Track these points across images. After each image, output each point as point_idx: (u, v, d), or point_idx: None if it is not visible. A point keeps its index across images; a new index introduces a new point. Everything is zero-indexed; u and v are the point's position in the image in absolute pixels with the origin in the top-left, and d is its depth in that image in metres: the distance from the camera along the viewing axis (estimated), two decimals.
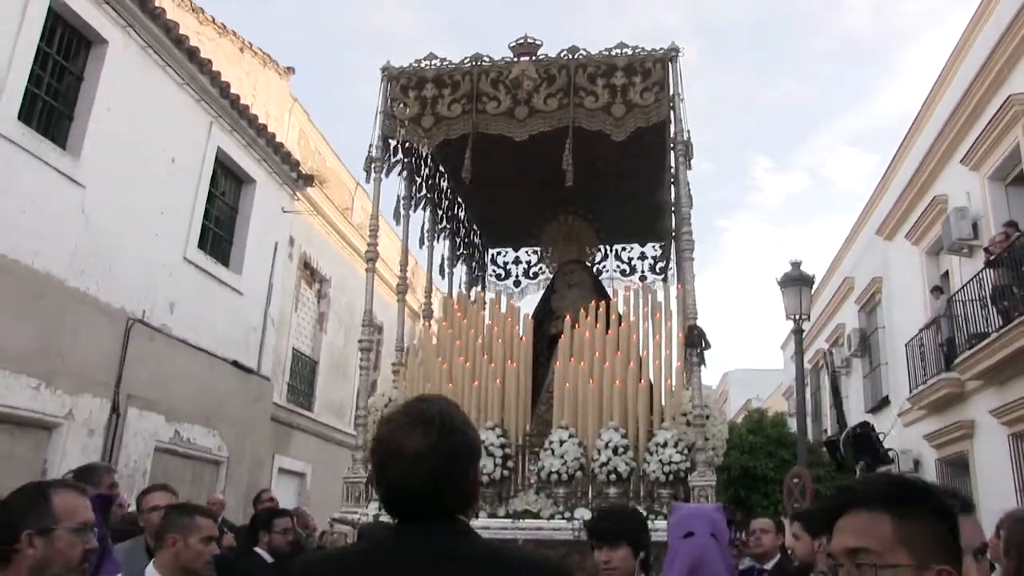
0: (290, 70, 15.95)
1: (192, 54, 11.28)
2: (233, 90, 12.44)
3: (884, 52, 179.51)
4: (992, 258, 12.16)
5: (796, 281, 13.23)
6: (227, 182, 13.15)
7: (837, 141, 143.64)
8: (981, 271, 12.69)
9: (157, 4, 10.49)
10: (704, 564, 3.13)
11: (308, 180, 15.10)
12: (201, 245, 12.10)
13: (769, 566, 6.23)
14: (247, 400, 13.14)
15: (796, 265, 13.31)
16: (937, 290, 15.29)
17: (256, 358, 13.57)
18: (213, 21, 13.09)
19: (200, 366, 11.80)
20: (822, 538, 4.04)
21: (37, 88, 9.06)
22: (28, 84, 8.81)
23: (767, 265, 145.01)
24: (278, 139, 13.96)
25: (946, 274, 15.80)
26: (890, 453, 4.11)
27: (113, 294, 10.04)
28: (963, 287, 13.57)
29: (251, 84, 14.09)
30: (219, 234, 12.85)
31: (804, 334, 23.14)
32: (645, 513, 4.96)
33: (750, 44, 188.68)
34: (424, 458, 1.84)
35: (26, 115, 8.81)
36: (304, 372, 16.55)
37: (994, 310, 12.18)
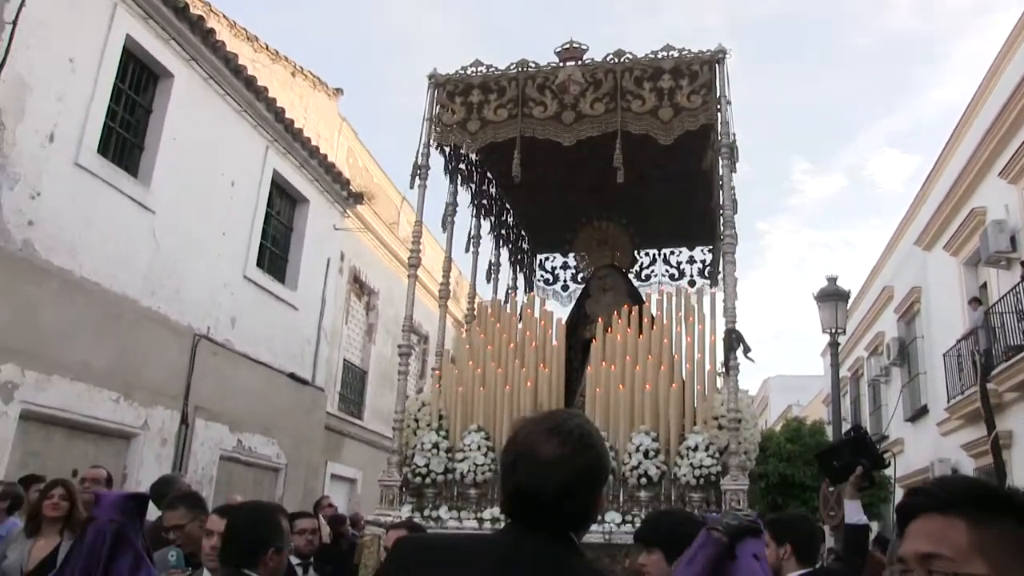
0: (339, 91, 16.57)
1: (250, 83, 11.90)
2: (287, 115, 13.04)
3: (927, 50, 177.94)
4: None
5: (832, 296, 13.56)
6: (282, 202, 13.78)
7: (878, 142, 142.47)
8: (1018, 284, 12.94)
9: (217, 37, 11.12)
10: None
11: (358, 198, 15.70)
12: (259, 263, 12.73)
13: None
14: (302, 410, 13.75)
15: (832, 280, 13.65)
16: (975, 301, 15.50)
17: (311, 370, 14.17)
18: (267, 48, 13.71)
19: (259, 378, 12.42)
20: (786, 545, 4.27)
21: (112, 121, 9.71)
22: (105, 119, 9.46)
23: (808, 269, 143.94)
24: (329, 159, 14.55)
25: (984, 285, 16.00)
26: (886, 456, 4.25)
27: (181, 312, 10.69)
28: (1000, 299, 13.83)
29: (303, 107, 14.70)
30: (275, 252, 13.48)
31: (843, 343, 23.43)
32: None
33: (789, 43, 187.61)
34: (557, 466, 1.83)
35: (103, 147, 9.47)
36: (354, 382, 17.16)
37: None
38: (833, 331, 13.50)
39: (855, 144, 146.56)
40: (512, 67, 7.30)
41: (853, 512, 4.68)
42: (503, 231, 9.57)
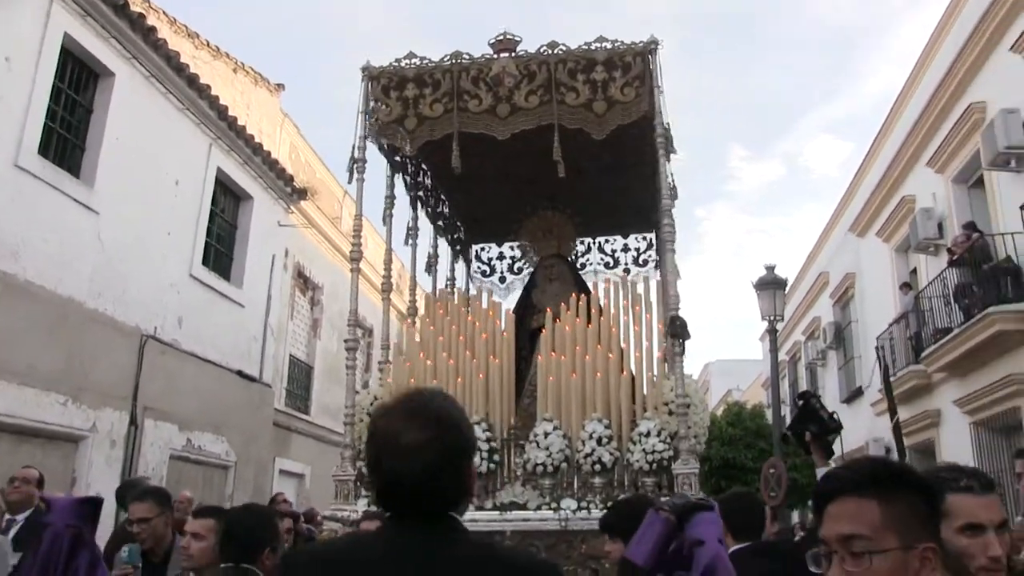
0: (280, 87, 16.50)
1: (192, 80, 11.84)
2: (230, 112, 12.99)
3: (863, 39, 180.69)
4: (954, 258, 12.85)
5: (770, 284, 13.88)
6: (226, 200, 13.74)
7: (813, 129, 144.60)
8: (944, 270, 13.38)
9: (158, 35, 11.04)
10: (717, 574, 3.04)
11: (301, 194, 15.68)
12: (205, 262, 12.69)
13: None
14: (251, 407, 13.75)
15: (771, 269, 13.98)
16: (906, 286, 15.97)
17: (258, 366, 14.17)
18: (207, 44, 13.63)
19: (208, 377, 12.39)
20: (724, 522, 4.50)
21: (52, 122, 9.62)
22: (45, 119, 9.38)
23: (745, 255, 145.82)
24: (272, 155, 14.52)
25: (914, 271, 16.50)
26: (835, 416, 4.37)
27: (127, 313, 10.63)
28: (928, 284, 14.28)
29: (244, 103, 14.64)
30: (220, 250, 13.44)
31: (781, 328, 23.89)
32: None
33: (730, 31, 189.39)
34: (422, 451, 1.81)
35: (43, 148, 9.37)
36: (300, 377, 17.15)
37: (956, 307, 12.88)
38: (771, 318, 13.83)
39: (791, 131, 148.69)
40: (446, 59, 7.26)
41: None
42: (440, 222, 9.57)
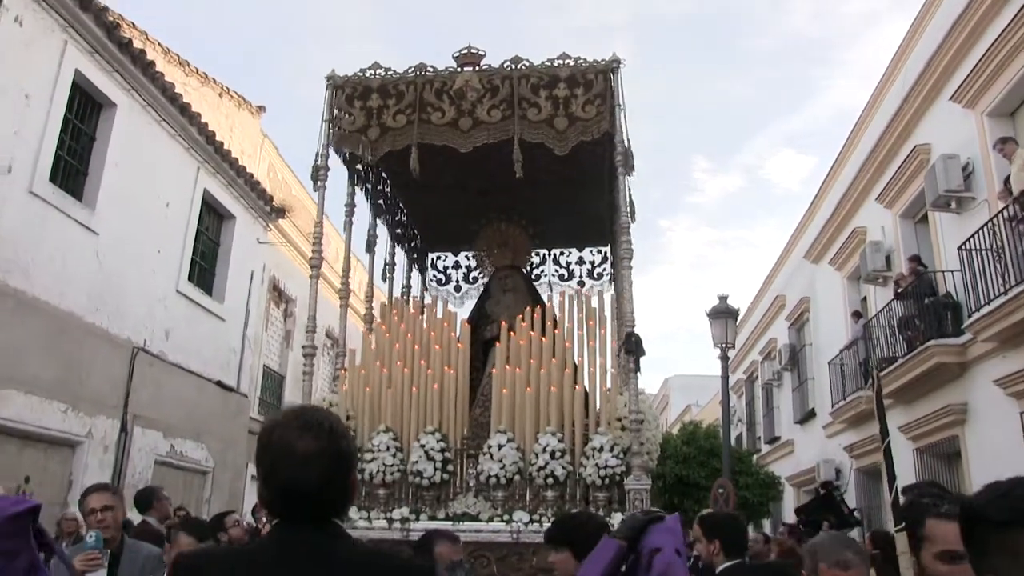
0: (261, 109, 17.27)
1: (184, 109, 12.61)
2: (217, 137, 13.76)
3: (823, 54, 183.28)
4: (900, 291, 13.71)
5: (723, 313, 14.69)
6: (211, 219, 14.50)
7: (775, 142, 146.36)
8: (891, 301, 14.23)
9: (156, 68, 11.82)
10: None
11: (280, 213, 16.49)
12: (190, 278, 13.46)
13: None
14: (229, 415, 14.50)
15: (723, 299, 14.79)
16: (856, 314, 16.78)
17: (235, 377, 14.91)
18: (197, 72, 14.39)
19: (190, 387, 13.13)
20: (715, 541, 4.73)
21: (60, 150, 10.36)
22: (55, 148, 10.15)
23: (707, 267, 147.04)
24: (253, 176, 15.29)
25: (865, 299, 17.31)
26: (855, 512, 4.70)
27: (120, 327, 11.38)
28: (876, 315, 15.13)
29: (228, 126, 15.38)
30: (204, 267, 14.21)
31: (740, 346, 24.70)
32: (607, 520, 5.01)
33: (691, 42, 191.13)
34: (316, 459, 1.92)
35: (53, 175, 10.13)
36: (273, 387, 17.86)
37: (901, 337, 13.74)
38: (723, 346, 14.68)
39: (753, 144, 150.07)
40: (410, 71, 7.26)
41: None
42: (399, 230, 9.57)
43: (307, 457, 1.91)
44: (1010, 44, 10.77)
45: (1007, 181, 10.67)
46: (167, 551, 4.49)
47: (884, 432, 4.75)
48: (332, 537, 1.97)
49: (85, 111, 10.94)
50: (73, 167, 10.72)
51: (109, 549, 4.38)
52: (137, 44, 11.52)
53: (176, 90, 12.49)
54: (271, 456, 1.96)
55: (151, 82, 11.71)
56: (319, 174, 7.27)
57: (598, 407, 6.68)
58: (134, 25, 12.16)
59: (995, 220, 10.63)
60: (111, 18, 10.84)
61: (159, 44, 12.97)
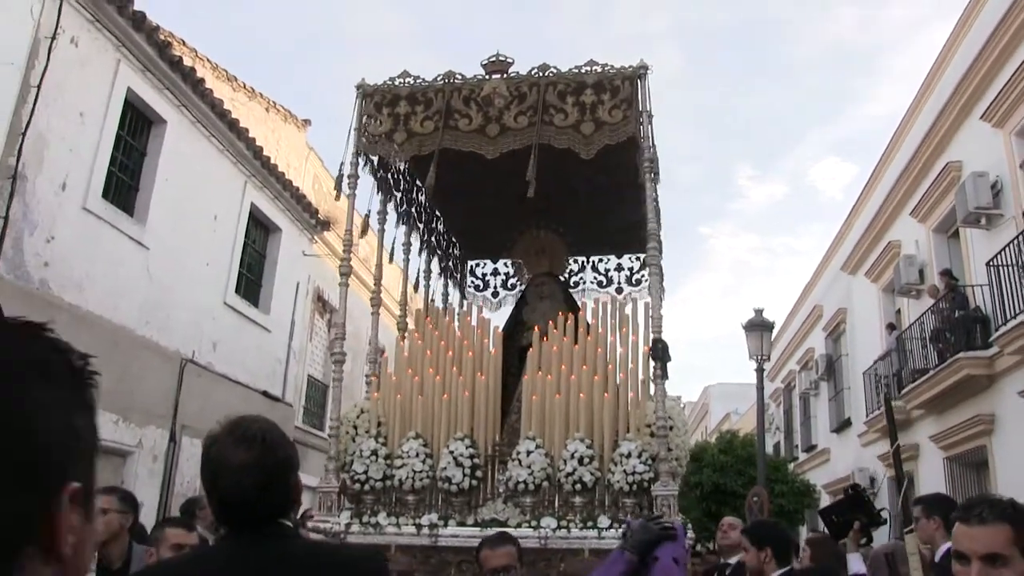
0: (307, 122, 17.58)
1: (232, 125, 12.91)
2: (264, 152, 14.05)
3: (867, 62, 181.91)
4: (934, 305, 13.84)
5: (758, 326, 14.91)
6: (257, 232, 14.79)
7: (819, 150, 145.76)
8: (923, 314, 14.38)
9: (205, 85, 12.12)
10: None
11: (324, 225, 16.77)
12: (237, 290, 13.75)
13: (734, 560, 6.54)
14: None
15: (759, 312, 15.00)
16: (891, 326, 16.96)
17: (281, 387, 15.19)
18: (244, 87, 14.71)
19: (237, 397, 13.36)
20: (766, 549, 4.93)
21: (113, 166, 10.69)
22: (108, 165, 10.48)
23: (750, 274, 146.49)
24: (299, 190, 15.57)
25: (899, 311, 17.49)
26: (883, 513, 4.77)
27: (170, 339, 11.67)
28: (909, 327, 15.28)
29: (275, 140, 15.68)
30: (251, 279, 14.49)
31: (777, 356, 24.75)
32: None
33: (735, 51, 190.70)
34: (250, 470, 2.04)
35: (105, 191, 10.45)
36: (317, 396, 18.12)
37: (932, 349, 13.88)
38: (759, 358, 14.83)
39: (797, 151, 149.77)
40: (439, 79, 7.34)
41: (854, 564, 5.22)
42: (433, 238, 9.65)
43: (243, 469, 2.04)
44: None
45: None
46: (149, 553, 4.33)
47: (893, 438, 4.96)
48: (275, 538, 2.10)
49: (136, 128, 11.25)
50: (125, 183, 11.03)
51: (112, 568, 4.36)
52: (187, 62, 11.84)
53: (224, 106, 12.78)
54: (210, 470, 2.12)
55: (201, 99, 12.02)
56: (349, 182, 7.36)
57: (628, 413, 6.69)
58: (184, 43, 12.49)
59: (1021, 237, 10.75)
60: (163, 37, 11.16)
61: (208, 60, 13.28)
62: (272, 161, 14.44)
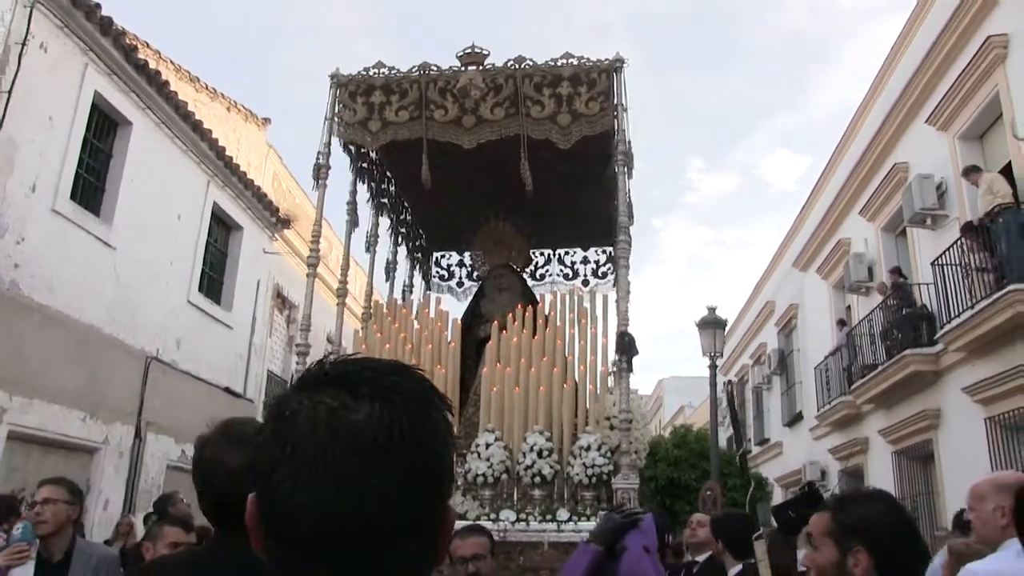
0: (267, 121, 17.73)
1: (196, 126, 13.08)
2: (226, 152, 14.23)
3: (818, 51, 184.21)
4: (882, 302, 14.27)
5: (711, 324, 15.25)
6: (219, 230, 14.97)
7: (770, 142, 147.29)
8: (873, 311, 14.82)
9: (169, 87, 12.28)
10: None
11: (285, 223, 16.96)
12: (200, 288, 13.94)
13: (701, 558, 6.31)
14: None
15: (712, 310, 15.35)
16: (841, 322, 17.39)
17: (242, 383, 15.38)
18: (207, 88, 14.86)
19: (200, 393, 13.57)
20: (719, 541, 4.86)
21: (80, 168, 10.82)
22: (76, 167, 10.62)
23: (702, 266, 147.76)
24: (260, 188, 15.75)
25: (849, 308, 17.92)
26: None
27: (136, 337, 11.84)
28: (858, 324, 15.72)
29: (236, 139, 15.84)
30: (213, 277, 14.68)
31: (731, 350, 25.15)
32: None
33: (685, 41, 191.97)
34: (244, 472, 1.78)
35: (73, 193, 10.60)
36: (277, 391, 18.23)
37: (881, 346, 14.32)
38: (712, 355, 15.22)
39: (748, 143, 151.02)
40: (414, 70, 7.35)
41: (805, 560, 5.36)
42: (402, 229, 9.63)
43: (237, 470, 2.00)
44: (979, 71, 11.37)
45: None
46: (146, 548, 4.33)
47: (739, 442, 5.11)
48: None
49: (103, 130, 11.40)
50: (92, 184, 11.18)
51: (52, 561, 4.32)
52: (152, 64, 11.98)
53: (188, 107, 12.95)
54: (203, 472, 2.13)
55: (165, 101, 12.18)
56: (320, 172, 7.40)
57: (587, 406, 6.70)
58: (148, 45, 12.64)
59: (961, 241, 11.24)
60: (128, 40, 11.31)
61: (171, 62, 13.44)
62: (234, 160, 14.61)
